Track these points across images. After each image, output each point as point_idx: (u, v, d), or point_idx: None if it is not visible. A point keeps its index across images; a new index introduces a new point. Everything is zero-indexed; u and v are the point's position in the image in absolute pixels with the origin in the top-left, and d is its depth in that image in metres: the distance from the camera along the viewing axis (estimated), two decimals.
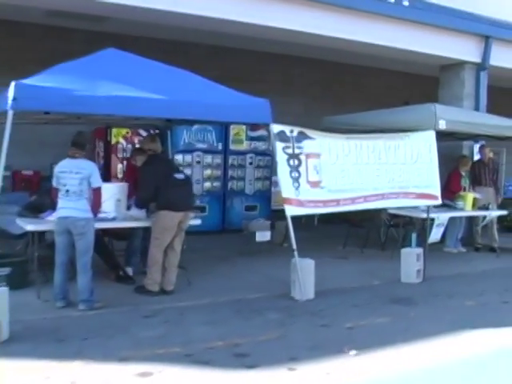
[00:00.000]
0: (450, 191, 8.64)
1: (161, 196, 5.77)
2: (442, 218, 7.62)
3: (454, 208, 8.26)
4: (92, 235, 5.17)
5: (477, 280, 7.06)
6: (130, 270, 6.35)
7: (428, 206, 6.94)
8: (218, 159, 9.76)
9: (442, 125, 6.92)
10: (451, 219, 8.79)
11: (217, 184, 9.77)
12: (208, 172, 9.73)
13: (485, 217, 8.56)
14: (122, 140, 9.48)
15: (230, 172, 9.89)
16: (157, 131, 9.78)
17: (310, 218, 11.26)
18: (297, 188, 5.82)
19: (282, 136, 5.81)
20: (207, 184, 9.73)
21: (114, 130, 9.37)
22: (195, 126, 9.62)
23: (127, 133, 9.42)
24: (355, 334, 4.86)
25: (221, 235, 9.47)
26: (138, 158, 6.25)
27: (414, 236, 6.77)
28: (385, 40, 9.01)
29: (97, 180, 5.20)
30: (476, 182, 8.96)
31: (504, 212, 8.66)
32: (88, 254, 5.16)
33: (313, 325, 5.08)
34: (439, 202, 6.95)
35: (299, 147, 5.89)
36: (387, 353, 4.39)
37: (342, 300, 5.85)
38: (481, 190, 8.91)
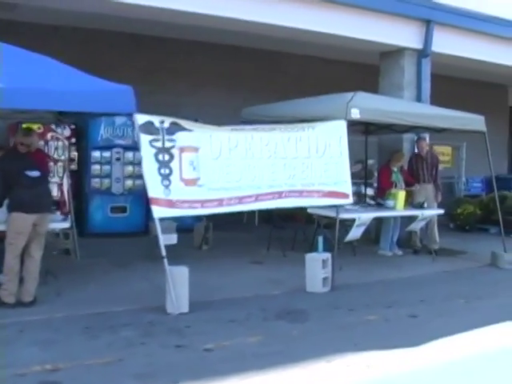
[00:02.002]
0: (381, 188, 7.92)
1: (12, 196, 5.07)
2: (364, 218, 6.88)
3: (384, 207, 7.53)
4: None
5: (396, 288, 6.31)
6: None
7: (337, 206, 6.19)
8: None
9: (355, 114, 6.16)
10: (384, 219, 8.08)
11: (139, 182, 8.94)
12: (129, 169, 9.04)
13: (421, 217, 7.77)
14: None
15: None
16: (72, 126, 9.18)
17: (251, 217, 10.65)
18: (167, 186, 5.08)
19: (148, 127, 5.07)
20: (128, 182, 9.05)
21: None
22: (116, 121, 8.95)
23: (39, 128, 8.71)
24: (210, 357, 4.13)
25: (143, 237, 8.76)
26: None
27: (320, 239, 6.02)
28: (321, 26, 8.31)
29: None
30: (414, 178, 8.21)
31: (440, 211, 7.89)
32: None
33: (166, 345, 4.34)
34: (350, 200, 6.20)
35: (171, 140, 5.15)
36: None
37: (220, 314, 5.11)
38: (419, 186, 8.17)
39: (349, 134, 9.55)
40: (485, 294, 6.10)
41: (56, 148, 8.77)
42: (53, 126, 8.65)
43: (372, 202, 7.99)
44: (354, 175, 10.94)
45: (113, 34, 9.74)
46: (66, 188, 9.01)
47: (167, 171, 5.10)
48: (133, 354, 4.15)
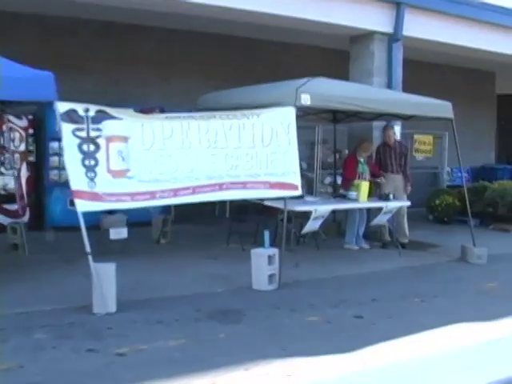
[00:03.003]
0: (345, 179, 7.56)
1: None
2: (321, 211, 6.53)
3: (347, 198, 7.17)
4: None
5: (350, 285, 5.94)
6: None
7: (285, 198, 5.83)
8: None
9: (305, 100, 5.78)
10: (349, 211, 7.73)
11: None
12: None
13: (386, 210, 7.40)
14: None
15: None
16: (30, 117, 8.85)
17: (222, 210, 10.30)
18: (92, 179, 4.74)
19: (71, 116, 4.75)
20: None
21: None
22: None
23: None
24: (118, 363, 3.79)
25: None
26: None
27: (266, 234, 5.67)
28: (289, 10, 7.94)
29: None
30: (382, 169, 7.84)
31: (407, 203, 7.51)
32: None
33: (77, 349, 4.01)
34: (299, 192, 5.83)
35: (97, 129, 4.81)
36: None
37: (150, 314, 4.77)
38: (387, 177, 7.79)
39: (318, 122, 9.33)
40: (444, 292, 5.73)
41: (12, 139, 8.45)
42: (10, 117, 8.32)
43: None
44: (330, 166, 10.76)
45: (75, 22, 9.40)
46: (24, 180, 8.78)
47: (92, 162, 4.76)
48: (37, 360, 3.82)
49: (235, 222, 7.52)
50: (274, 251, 5.62)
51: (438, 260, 7.30)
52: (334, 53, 10.39)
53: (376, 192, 7.66)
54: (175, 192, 5.19)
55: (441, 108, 7.00)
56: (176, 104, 8.16)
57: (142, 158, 5.04)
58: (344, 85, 6.73)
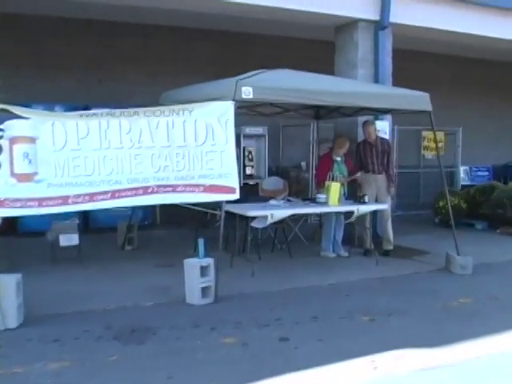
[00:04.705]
0: (318, 180, 6.92)
1: None
2: (278, 215, 5.95)
3: (316, 202, 6.53)
4: None
5: (298, 300, 5.28)
6: None
7: (220, 202, 5.29)
8: None
9: (247, 93, 5.22)
10: (325, 216, 7.10)
11: None
12: None
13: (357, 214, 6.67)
14: None
15: None
16: None
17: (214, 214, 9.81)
18: None
19: None
20: None
21: None
22: None
23: None
24: None
25: (83, 236, 8.13)
26: None
27: (200, 242, 5.14)
28: (271, 0, 7.41)
29: None
30: (362, 168, 7.13)
31: (384, 206, 6.78)
32: None
33: None
34: (237, 196, 5.25)
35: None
36: None
37: (52, 331, 4.31)
38: (368, 177, 7.08)
39: (300, 119, 8.69)
40: (404, 309, 5.03)
41: None
42: None
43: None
44: None
45: (58, 20, 9.17)
46: None
47: None
48: None
49: (200, 227, 7.04)
50: (209, 261, 5.09)
51: (419, 269, 6.56)
52: (324, 44, 9.71)
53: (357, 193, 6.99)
54: (91, 197, 4.75)
55: (417, 100, 6.26)
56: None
57: (52, 160, 4.63)
58: (304, 77, 6.09)
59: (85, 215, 8.69)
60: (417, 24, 7.78)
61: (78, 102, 8.49)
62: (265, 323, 4.59)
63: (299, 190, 9.91)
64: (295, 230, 7.57)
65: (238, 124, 9.82)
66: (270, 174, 10.01)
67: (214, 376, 3.61)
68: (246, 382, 3.51)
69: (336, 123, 8.11)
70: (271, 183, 8.27)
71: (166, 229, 9.11)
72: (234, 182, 5.19)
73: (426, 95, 6.27)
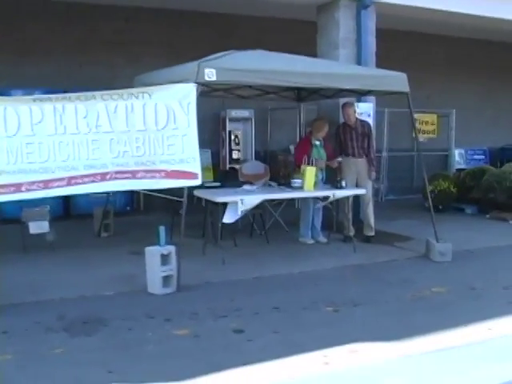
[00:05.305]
0: (296, 165, 6.73)
1: None
2: (248, 202, 5.78)
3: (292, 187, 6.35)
4: None
5: (263, 289, 5.14)
6: None
7: (185, 188, 5.12)
8: None
9: (210, 75, 5.02)
10: (302, 201, 6.92)
11: None
12: None
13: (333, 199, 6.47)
14: None
15: None
16: None
17: (200, 199, 9.66)
18: None
19: None
20: None
21: None
22: None
23: None
24: None
25: (63, 222, 8.03)
26: None
27: (161, 230, 4.99)
28: None
29: None
30: (342, 152, 6.92)
31: (362, 191, 6.58)
32: None
33: None
34: (199, 181, 5.08)
35: None
36: None
37: (5, 322, 4.16)
38: (347, 161, 6.87)
39: (282, 101, 8.45)
40: (372, 299, 4.86)
41: None
42: None
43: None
44: None
45: (37, 3, 8.96)
46: None
47: None
48: None
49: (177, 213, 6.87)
50: (170, 249, 4.95)
51: (398, 257, 6.38)
52: (309, 25, 9.44)
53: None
54: (46, 183, 4.60)
55: (393, 80, 6.01)
56: None
57: (4, 146, 4.47)
58: (277, 58, 5.86)
59: (66, 201, 8.63)
60: (400, 3, 7.49)
61: (59, 87, 8.33)
62: (223, 314, 4.46)
63: (287, 174, 9.71)
64: (275, 215, 7.42)
65: (224, 107, 9.83)
66: (258, 158, 9.80)
67: (158, 369, 3.48)
68: (190, 376, 3.38)
69: (319, 105, 7.89)
70: (251, 167, 8.07)
71: (150, 215, 8.97)
72: (197, 167, 5.02)
73: (402, 75, 6.02)
